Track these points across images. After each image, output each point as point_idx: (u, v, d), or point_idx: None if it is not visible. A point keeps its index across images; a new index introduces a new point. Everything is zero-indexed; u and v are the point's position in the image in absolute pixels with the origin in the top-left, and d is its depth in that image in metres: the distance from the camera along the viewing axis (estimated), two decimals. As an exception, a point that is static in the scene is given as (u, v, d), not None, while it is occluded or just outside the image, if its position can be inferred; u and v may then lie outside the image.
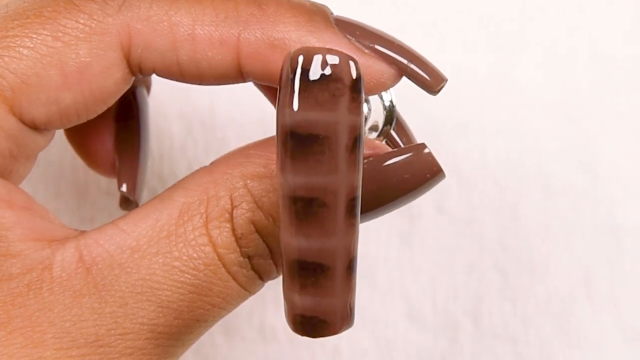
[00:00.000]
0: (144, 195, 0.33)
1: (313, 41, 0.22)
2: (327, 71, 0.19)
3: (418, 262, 0.36)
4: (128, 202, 0.29)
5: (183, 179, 0.23)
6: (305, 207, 0.20)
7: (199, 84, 0.23)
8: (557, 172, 0.37)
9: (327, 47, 0.22)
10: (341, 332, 0.22)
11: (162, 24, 0.22)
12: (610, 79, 0.37)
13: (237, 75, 0.23)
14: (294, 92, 0.20)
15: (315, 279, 0.21)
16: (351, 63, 0.20)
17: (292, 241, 0.21)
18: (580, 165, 0.37)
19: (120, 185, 0.29)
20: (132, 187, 0.29)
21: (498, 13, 0.38)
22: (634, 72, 0.37)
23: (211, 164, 0.23)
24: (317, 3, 0.23)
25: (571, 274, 0.36)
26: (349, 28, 0.23)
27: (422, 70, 0.23)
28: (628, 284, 0.36)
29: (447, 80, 0.23)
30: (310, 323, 0.21)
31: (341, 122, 0.20)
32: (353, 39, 0.23)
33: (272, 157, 0.22)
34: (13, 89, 0.21)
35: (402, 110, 0.37)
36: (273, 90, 0.28)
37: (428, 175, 0.22)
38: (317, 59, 0.20)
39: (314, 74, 0.19)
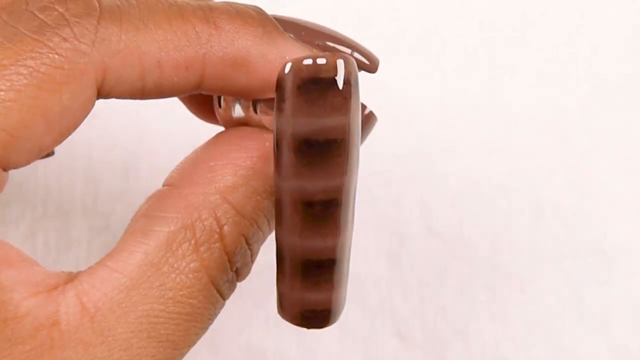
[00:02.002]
0: (129, 214, 0.34)
1: (273, 52, 0.22)
2: (336, 75, 0.19)
3: (408, 281, 0.36)
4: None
5: (152, 206, 0.23)
6: (323, 210, 0.20)
7: (153, 99, 0.23)
8: (548, 192, 0.36)
9: (329, 52, 0.23)
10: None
11: (132, 56, 0.22)
12: (602, 100, 0.37)
13: (195, 90, 0.23)
14: (308, 101, 0.19)
15: (329, 275, 0.21)
16: (345, 62, 0.20)
17: (302, 243, 0.21)
18: (571, 186, 0.36)
19: None
20: None
21: (499, 19, 0.38)
22: (626, 93, 0.37)
23: (171, 185, 0.23)
24: (254, 7, 0.23)
25: (562, 293, 0.36)
26: (294, 29, 0.24)
27: (364, 57, 0.25)
28: (619, 304, 0.36)
29: (379, 61, 0.25)
30: (320, 316, 0.22)
31: (352, 122, 0.20)
32: (301, 40, 0.24)
33: (237, 163, 0.22)
34: (4, 145, 0.21)
35: (395, 131, 0.36)
36: (197, 100, 0.28)
37: (371, 127, 0.25)
38: (324, 65, 0.19)
39: (325, 79, 0.19)
